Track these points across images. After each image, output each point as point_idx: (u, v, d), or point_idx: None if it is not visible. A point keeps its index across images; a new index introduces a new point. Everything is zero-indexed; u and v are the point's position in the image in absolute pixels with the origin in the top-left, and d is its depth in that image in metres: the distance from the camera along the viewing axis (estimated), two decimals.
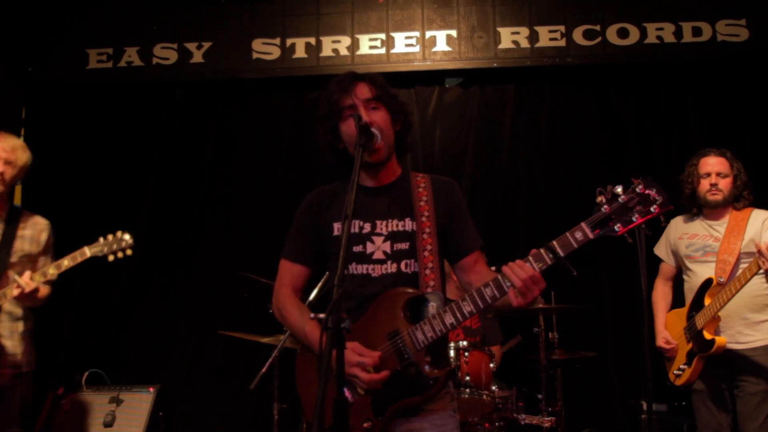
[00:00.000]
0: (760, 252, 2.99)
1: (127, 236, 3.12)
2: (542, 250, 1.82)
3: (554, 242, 1.81)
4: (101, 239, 3.13)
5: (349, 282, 2.03)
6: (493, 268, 3.90)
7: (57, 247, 4.65)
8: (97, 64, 4.88)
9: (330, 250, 2.14)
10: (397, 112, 2.15)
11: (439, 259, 2.08)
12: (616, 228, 1.76)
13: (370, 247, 2.08)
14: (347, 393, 1.96)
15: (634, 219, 1.75)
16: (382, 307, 2.03)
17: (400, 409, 1.98)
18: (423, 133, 4.82)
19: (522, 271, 1.81)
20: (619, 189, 1.77)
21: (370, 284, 2.06)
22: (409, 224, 2.10)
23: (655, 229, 3.51)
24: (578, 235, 1.79)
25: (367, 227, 2.10)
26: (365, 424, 1.96)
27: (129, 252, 3.14)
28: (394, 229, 2.10)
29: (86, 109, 4.97)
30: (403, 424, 2.00)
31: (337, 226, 2.12)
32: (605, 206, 1.77)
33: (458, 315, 1.93)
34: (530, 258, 1.83)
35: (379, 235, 2.09)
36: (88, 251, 3.09)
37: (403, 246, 2.08)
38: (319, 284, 3.19)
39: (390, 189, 2.17)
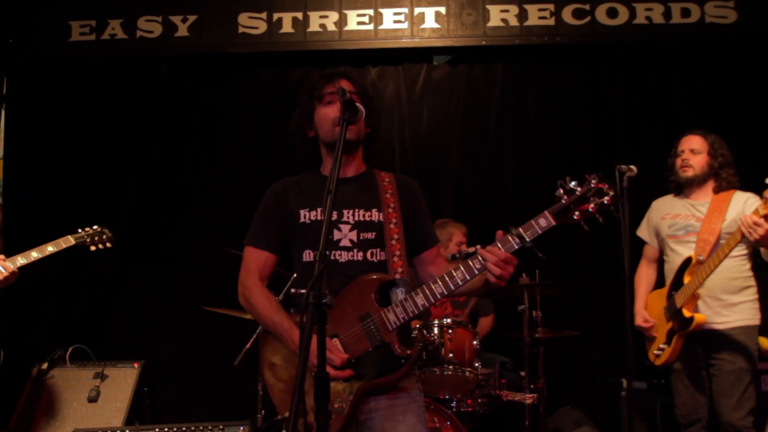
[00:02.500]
0: (753, 223, 2.98)
1: (107, 230, 3.41)
2: (508, 236, 2.00)
3: (520, 228, 1.99)
4: (80, 231, 3.34)
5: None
6: (477, 247, 3.91)
7: (41, 223, 4.64)
8: (80, 37, 4.77)
9: (295, 239, 2.19)
10: (371, 113, 2.21)
11: (405, 248, 2.17)
12: (574, 216, 1.98)
13: (336, 234, 2.15)
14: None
15: (589, 209, 1.97)
16: (353, 292, 2.09)
17: (371, 388, 2.03)
18: (410, 111, 4.79)
19: (492, 255, 1.96)
20: (574, 183, 2.00)
21: (337, 270, 2.11)
22: (375, 215, 2.17)
23: (636, 213, 3.54)
24: (542, 221, 1.99)
25: (334, 215, 2.15)
26: (336, 405, 2.01)
27: (109, 245, 3.41)
28: (361, 218, 2.17)
29: (69, 83, 4.87)
30: (373, 402, 2.06)
31: (303, 213, 2.18)
32: (564, 197, 1.99)
33: (429, 296, 2.02)
34: (498, 243, 1.99)
35: (346, 223, 2.16)
36: (72, 239, 3.27)
37: (370, 236, 2.15)
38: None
39: (355, 180, 2.25)
